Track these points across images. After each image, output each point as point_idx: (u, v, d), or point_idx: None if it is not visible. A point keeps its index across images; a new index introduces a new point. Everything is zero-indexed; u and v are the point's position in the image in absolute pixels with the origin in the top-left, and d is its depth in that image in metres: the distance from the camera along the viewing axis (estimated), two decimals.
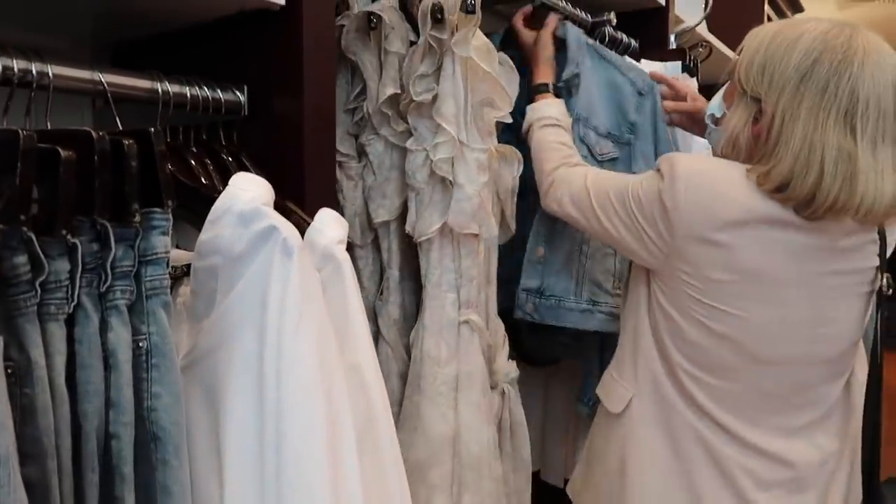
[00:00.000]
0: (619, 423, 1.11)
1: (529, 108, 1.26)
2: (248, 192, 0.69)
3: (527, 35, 1.36)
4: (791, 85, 0.94)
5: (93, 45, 1.05)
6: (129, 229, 0.61)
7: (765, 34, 1.00)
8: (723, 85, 1.11)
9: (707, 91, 1.94)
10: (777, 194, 0.94)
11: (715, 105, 1.11)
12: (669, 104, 1.31)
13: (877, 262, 1.01)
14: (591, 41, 1.33)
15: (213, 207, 0.69)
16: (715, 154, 1.10)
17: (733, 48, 2.36)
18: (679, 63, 1.67)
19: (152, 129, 0.61)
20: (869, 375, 1.07)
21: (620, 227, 1.05)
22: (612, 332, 1.28)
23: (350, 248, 1.13)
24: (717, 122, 1.10)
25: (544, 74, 1.30)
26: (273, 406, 0.64)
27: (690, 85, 1.69)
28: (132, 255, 0.62)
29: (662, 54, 1.67)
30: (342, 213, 1.11)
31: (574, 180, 1.13)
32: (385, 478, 0.75)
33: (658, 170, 1.02)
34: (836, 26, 0.96)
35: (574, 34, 1.32)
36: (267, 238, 0.67)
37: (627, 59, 1.38)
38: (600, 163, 1.29)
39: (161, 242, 0.63)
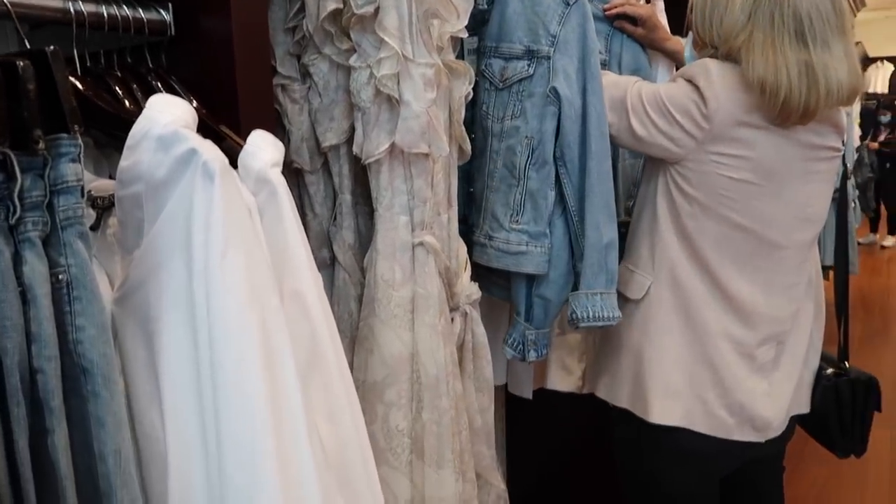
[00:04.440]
0: (637, 308, 1.28)
1: None
2: (166, 114, 0.65)
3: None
4: (740, 25, 1.14)
5: None
6: (35, 158, 0.58)
7: None
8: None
9: (676, 7, 1.87)
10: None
11: (688, 56, 1.37)
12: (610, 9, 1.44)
13: (841, 148, 1.25)
14: None
15: (130, 132, 0.66)
16: None
17: None
18: None
19: (49, 49, 0.58)
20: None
21: (648, 125, 1.21)
22: (500, 267, 1.27)
23: (300, 173, 1.11)
24: None
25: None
26: (205, 336, 0.63)
27: (657, 6, 1.63)
28: (42, 185, 0.59)
29: None
30: (288, 138, 1.08)
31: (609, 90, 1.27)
32: (334, 398, 0.75)
33: (687, 79, 1.18)
34: None
35: None
36: (188, 162, 0.64)
37: None
38: (505, 88, 1.24)
39: (71, 170, 0.60)
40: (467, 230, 1.39)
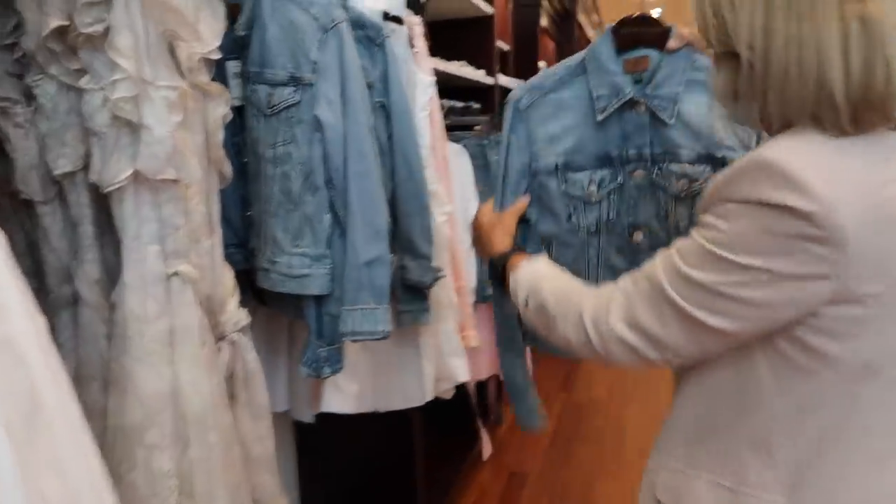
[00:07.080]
0: None
1: (511, 285, 1.01)
2: None
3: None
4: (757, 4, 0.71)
5: None
6: None
7: None
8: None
9: (436, 28, 1.98)
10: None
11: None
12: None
13: None
14: None
15: None
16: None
17: None
18: None
19: None
20: None
21: (736, 303, 0.72)
22: (285, 291, 1.27)
23: (31, 205, 1.00)
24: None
25: (499, 243, 1.09)
26: None
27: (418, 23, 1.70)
28: None
29: None
30: (13, 167, 0.97)
31: (618, 299, 0.82)
32: (60, 449, 0.69)
33: (741, 201, 0.70)
34: None
35: None
36: None
37: None
38: (274, 115, 1.24)
39: None
40: (248, 255, 1.35)
